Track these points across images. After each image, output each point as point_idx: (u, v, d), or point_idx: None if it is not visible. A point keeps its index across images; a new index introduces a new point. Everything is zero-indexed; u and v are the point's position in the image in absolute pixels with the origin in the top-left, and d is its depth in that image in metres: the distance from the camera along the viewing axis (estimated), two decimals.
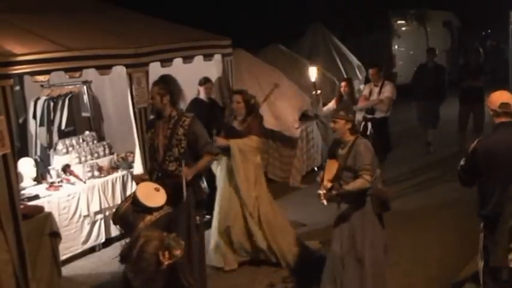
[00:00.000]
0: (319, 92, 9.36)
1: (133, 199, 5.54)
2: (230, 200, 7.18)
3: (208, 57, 8.68)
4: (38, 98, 8.58)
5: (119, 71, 7.36)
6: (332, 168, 5.74)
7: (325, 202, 5.51)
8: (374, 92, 9.64)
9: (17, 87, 8.26)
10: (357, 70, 14.96)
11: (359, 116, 9.35)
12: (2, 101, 5.78)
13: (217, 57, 8.87)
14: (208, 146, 6.01)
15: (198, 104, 8.86)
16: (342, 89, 9.91)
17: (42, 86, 8.34)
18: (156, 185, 5.64)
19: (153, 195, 5.55)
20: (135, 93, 7.27)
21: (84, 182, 7.77)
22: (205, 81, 8.91)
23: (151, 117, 6.58)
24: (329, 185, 5.57)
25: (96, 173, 8.02)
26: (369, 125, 9.46)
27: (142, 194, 5.51)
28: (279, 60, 12.32)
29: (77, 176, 7.80)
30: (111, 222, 6.89)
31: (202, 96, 8.99)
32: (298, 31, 15.45)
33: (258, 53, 12.36)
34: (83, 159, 8.09)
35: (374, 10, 19.24)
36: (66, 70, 6.65)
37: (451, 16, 22.86)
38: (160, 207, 5.50)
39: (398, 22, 20.66)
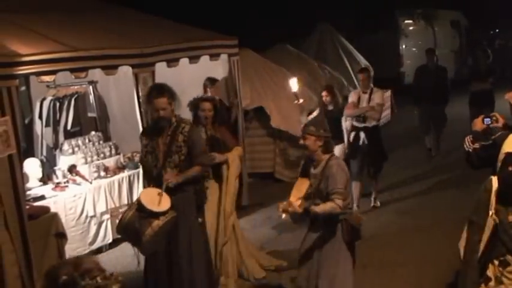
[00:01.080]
0: (301, 101, 8.96)
1: (139, 205, 5.47)
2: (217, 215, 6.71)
3: (214, 57, 8.66)
4: (44, 99, 8.57)
5: (125, 71, 7.34)
6: (302, 187, 5.28)
7: (283, 215, 5.07)
8: (363, 100, 8.86)
9: (23, 88, 8.25)
10: None
11: (347, 124, 9.12)
12: (8, 102, 5.77)
13: (224, 57, 8.84)
14: (202, 157, 5.87)
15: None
16: (323, 99, 9.09)
17: (48, 86, 8.33)
18: (158, 190, 5.56)
19: (158, 200, 5.48)
20: (141, 93, 7.23)
21: (90, 183, 7.75)
22: (213, 83, 8.88)
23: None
24: (298, 202, 5.08)
25: (103, 173, 8.00)
26: (361, 134, 8.80)
27: (147, 200, 5.46)
28: (286, 60, 12.30)
29: (83, 177, 7.78)
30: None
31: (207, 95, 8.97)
32: (305, 31, 15.43)
33: (265, 53, 12.35)
34: (89, 159, 8.07)
35: (381, 10, 19.21)
36: (72, 70, 6.64)
37: (459, 15, 22.77)
38: (166, 212, 5.45)
39: (406, 22, 20.61)
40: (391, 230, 8.16)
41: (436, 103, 11.64)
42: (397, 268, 6.84)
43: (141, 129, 7.26)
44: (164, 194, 5.52)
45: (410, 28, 20.73)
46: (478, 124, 4.94)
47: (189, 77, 8.68)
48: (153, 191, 5.60)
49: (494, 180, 4.68)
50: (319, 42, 14.85)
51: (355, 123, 8.88)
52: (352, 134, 8.88)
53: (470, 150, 4.82)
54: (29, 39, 6.44)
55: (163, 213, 5.42)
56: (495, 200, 4.66)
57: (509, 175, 4.49)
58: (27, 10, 7.33)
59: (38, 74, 6.25)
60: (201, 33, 8.90)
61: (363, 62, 15.13)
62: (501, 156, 4.58)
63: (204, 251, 5.99)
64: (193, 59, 8.23)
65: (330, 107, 8.98)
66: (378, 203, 9.12)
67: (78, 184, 7.73)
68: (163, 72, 7.69)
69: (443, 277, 6.53)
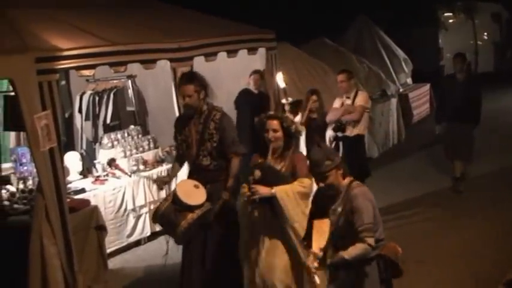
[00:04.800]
0: (290, 99, 8.32)
1: (174, 198, 5.49)
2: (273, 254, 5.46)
3: (252, 51, 8.62)
4: (84, 93, 8.66)
5: (162, 65, 7.35)
6: (322, 230, 4.51)
7: (317, 280, 4.41)
8: (346, 105, 7.91)
9: (63, 82, 8.35)
10: (403, 63, 14.78)
11: (329, 133, 7.97)
12: (49, 96, 5.82)
13: (262, 51, 8.80)
14: (235, 145, 5.80)
15: (246, 95, 8.91)
16: (310, 103, 7.86)
17: (87, 80, 8.41)
18: (195, 182, 5.59)
19: (193, 193, 5.51)
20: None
21: (130, 176, 7.80)
22: (253, 72, 8.90)
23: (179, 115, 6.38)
24: (320, 254, 4.40)
25: (141, 167, 8.05)
26: (340, 144, 7.79)
27: (182, 193, 5.47)
28: (324, 54, 12.21)
29: (122, 170, 7.84)
30: None
31: (251, 87, 8.99)
32: (343, 24, 15.30)
33: (303, 47, 12.27)
34: (128, 153, 8.13)
35: (421, 3, 18.96)
36: (111, 64, 6.66)
37: (499, 8, 22.30)
38: (202, 205, 5.47)
39: (446, 14, 20.30)
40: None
41: (464, 124, 9.16)
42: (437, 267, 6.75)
43: None
44: (200, 186, 5.56)
45: (450, 21, 20.42)
46: None
47: (227, 71, 8.69)
48: (189, 183, 5.63)
49: None
50: (357, 36, 14.70)
51: (332, 133, 7.86)
52: (333, 144, 7.83)
53: None
54: (69, 33, 6.48)
55: (199, 206, 5.44)
56: None
57: None
58: (67, 5, 7.38)
59: (78, 68, 6.29)
60: (239, 27, 8.87)
61: (402, 55, 14.96)
62: None
63: (233, 247, 5.81)
64: (231, 53, 8.20)
65: (314, 115, 7.88)
66: None
67: (118, 178, 7.80)
68: (201, 67, 7.70)
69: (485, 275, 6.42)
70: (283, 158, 5.40)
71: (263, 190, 5.24)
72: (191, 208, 5.41)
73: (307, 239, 4.69)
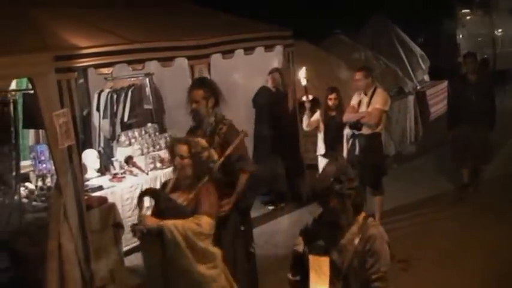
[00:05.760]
0: (310, 97, 7.98)
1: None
2: None
3: (269, 48, 8.62)
4: (102, 91, 8.69)
5: (180, 63, 7.36)
6: (321, 271, 3.68)
7: None
8: (363, 102, 7.65)
9: (81, 80, 8.38)
10: (420, 60, 14.70)
11: (347, 131, 7.81)
12: (67, 94, 5.86)
13: (279, 48, 8.80)
14: (241, 162, 5.47)
15: (264, 93, 8.90)
16: (330, 102, 7.94)
17: (105, 78, 8.44)
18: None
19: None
20: None
21: (147, 174, 7.82)
22: (272, 71, 8.89)
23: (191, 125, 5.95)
24: None
25: (159, 165, 8.06)
26: (357, 142, 7.62)
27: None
28: (340, 51, 12.18)
29: (139, 168, 7.85)
30: None
31: (270, 85, 8.99)
32: (360, 20, 15.24)
33: (319, 44, 12.24)
34: (145, 150, 8.15)
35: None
36: (129, 62, 6.69)
37: None
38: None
39: (463, 11, 20.17)
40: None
41: (477, 129, 8.78)
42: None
43: None
44: None
45: (468, 18, 20.28)
46: None
47: (244, 69, 8.70)
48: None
49: None
50: (373, 32, 14.63)
51: (349, 131, 7.72)
52: (350, 142, 7.72)
53: None
54: (88, 32, 6.52)
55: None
56: None
57: None
58: (86, 4, 7.42)
59: (96, 66, 6.32)
60: (256, 24, 8.88)
61: (419, 51, 14.88)
62: None
63: (245, 262, 5.66)
64: (248, 51, 8.21)
65: (333, 113, 7.94)
66: None
67: (135, 175, 7.81)
68: (218, 64, 7.71)
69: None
70: (191, 190, 4.77)
71: (150, 221, 4.62)
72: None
73: (303, 278, 3.82)
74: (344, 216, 3.66)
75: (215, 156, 5.17)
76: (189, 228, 4.54)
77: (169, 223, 4.56)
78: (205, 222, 4.60)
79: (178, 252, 4.54)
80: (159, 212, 4.78)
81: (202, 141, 5.03)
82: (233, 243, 5.55)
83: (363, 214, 3.74)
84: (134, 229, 4.67)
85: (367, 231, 3.66)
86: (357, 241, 3.66)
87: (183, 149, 4.75)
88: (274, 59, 8.92)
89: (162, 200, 4.82)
